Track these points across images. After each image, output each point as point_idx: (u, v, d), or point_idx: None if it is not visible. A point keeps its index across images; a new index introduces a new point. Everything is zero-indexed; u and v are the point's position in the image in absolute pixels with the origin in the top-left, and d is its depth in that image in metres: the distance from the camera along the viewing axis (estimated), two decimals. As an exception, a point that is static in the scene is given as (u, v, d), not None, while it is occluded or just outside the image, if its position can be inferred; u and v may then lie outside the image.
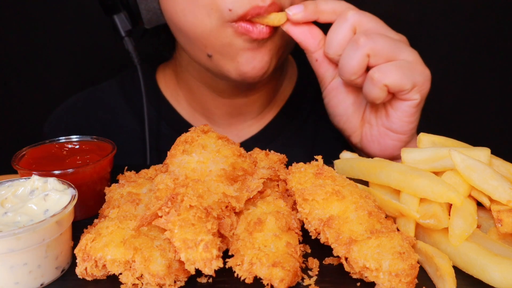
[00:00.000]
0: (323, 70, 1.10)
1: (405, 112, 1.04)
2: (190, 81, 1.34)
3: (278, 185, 0.87)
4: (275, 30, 1.09)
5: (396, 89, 0.99)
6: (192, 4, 1.08)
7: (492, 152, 0.87)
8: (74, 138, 1.00)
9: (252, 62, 1.10)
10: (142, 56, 1.29)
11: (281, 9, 1.07)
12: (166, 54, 1.44)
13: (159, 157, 1.34)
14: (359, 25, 1.01)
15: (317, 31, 1.06)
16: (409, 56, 1.00)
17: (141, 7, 1.20)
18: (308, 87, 1.43)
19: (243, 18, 1.04)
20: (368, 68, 1.01)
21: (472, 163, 0.79)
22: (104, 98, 1.44)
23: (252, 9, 1.03)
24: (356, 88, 1.10)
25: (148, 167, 0.98)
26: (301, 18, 1.03)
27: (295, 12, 1.03)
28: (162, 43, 1.39)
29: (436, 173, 0.83)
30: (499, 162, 0.88)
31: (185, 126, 1.36)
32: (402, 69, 0.98)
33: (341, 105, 1.12)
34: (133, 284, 0.71)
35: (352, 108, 1.12)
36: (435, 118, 1.93)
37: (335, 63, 1.07)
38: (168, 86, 1.41)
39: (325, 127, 1.41)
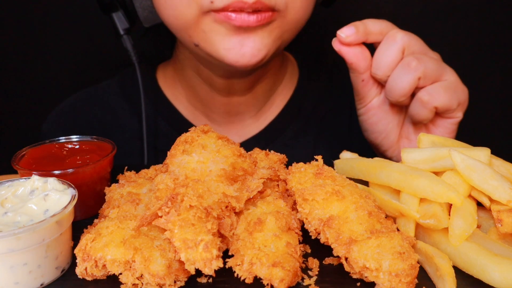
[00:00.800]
0: (367, 90, 1.08)
1: (447, 129, 1.06)
2: (190, 78, 1.33)
3: (278, 185, 0.87)
4: (271, 17, 1.06)
5: (444, 110, 1.02)
6: None
7: (492, 152, 0.87)
8: (74, 138, 1.00)
9: (241, 50, 1.07)
10: (142, 55, 1.29)
11: (268, 8, 1.04)
12: (167, 53, 1.43)
13: (159, 156, 1.34)
14: (407, 47, 1.01)
15: (367, 52, 1.05)
16: (452, 76, 1.02)
17: (136, 5, 1.21)
18: (310, 87, 1.42)
19: (225, 10, 1.03)
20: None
21: (472, 163, 0.79)
22: (104, 97, 1.43)
23: (235, 3, 1.01)
24: (398, 106, 1.10)
25: (146, 166, 0.98)
26: (353, 40, 1.02)
27: (348, 34, 1.01)
28: (162, 42, 1.39)
29: (436, 173, 0.83)
30: (499, 162, 0.88)
31: (185, 125, 1.36)
32: (448, 90, 1.00)
33: (381, 123, 1.11)
34: (133, 284, 0.71)
35: (391, 125, 1.11)
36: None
37: (379, 82, 1.07)
38: (169, 84, 1.41)
39: (327, 128, 1.40)
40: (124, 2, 1.22)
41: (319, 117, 1.40)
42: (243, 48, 1.07)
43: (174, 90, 1.40)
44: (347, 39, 1.02)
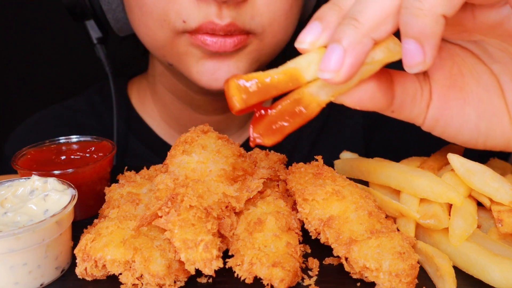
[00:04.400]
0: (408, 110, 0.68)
1: None
2: (165, 95, 1.27)
3: (278, 185, 0.87)
4: (246, 40, 1.00)
5: None
6: (145, 15, 1.02)
7: (490, 153, 0.87)
8: (74, 138, 1.00)
9: (215, 74, 1.02)
10: (115, 66, 1.23)
11: (242, 31, 0.98)
12: (143, 64, 1.37)
13: None
14: None
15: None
16: None
17: (108, 16, 1.15)
18: None
19: (198, 31, 0.98)
20: None
21: (472, 166, 0.79)
22: (71, 116, 1.35)
23: (207, 24, 0.96)
24: (468, 72, 0.69)
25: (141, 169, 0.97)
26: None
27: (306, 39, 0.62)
28: (139, 52, 1.33)
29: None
30: (496, 162, 0.88)
31: (160, 144, 1.29)
32: None
33: (462, 118, 0.69)
34: (133, 284, 0.71)
35: (484, 107, 0.68)
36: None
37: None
38: (142, 101, 1.34)
39: (305, 143, 1.36)
40: (95, 13, 1.15)
41: (301, 129, 1.36)
42: (217, 73, 1.02)
43: (147, 107, 1.33)
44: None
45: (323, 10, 0.63)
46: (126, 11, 1.12)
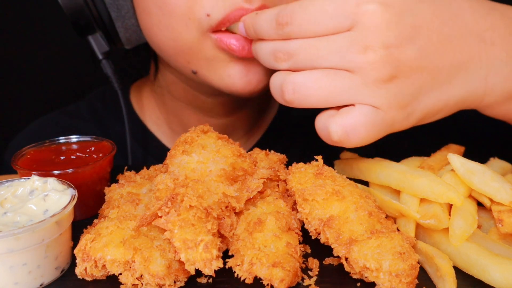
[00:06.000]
0: None
1: None
2: (173, 103, 1.24)
3: (278, 185, 0.87)
4: None
5: None
6: (167, 16, 0.95)
7: (491, 153, 0.87)
8: (74, 138, 1.00)
9: (247, 75, 0.97)
10: (122, 78, 1.18)
11: None
12: (143, 72, 1.33)
13: None
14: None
15: None
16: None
17: (117, 25, 1.07)
18: (292, 108, 1.37)
19: (224, 23, 0.92)
20: None
21: (472, 166, 0.79)
22: (72, 123, 1.31)
23: (235, 11, 0.90)
24: None
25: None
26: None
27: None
28: (141, 61, 1.29)
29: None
30: (496, 162, 0.88)
31: (165, 152, 1.28)
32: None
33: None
34: (133, 284, 0.71)
35: None
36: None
37: None
38: (146, 108, 1.31)
39: (314, 148, 1.37)
40: (103, 23, 1.07)
41: (306, 137, 1.36)
42: (249, 75, 0.98)
43: (152, 115, 1.30)
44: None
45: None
46: (138, 17, 1.05)
